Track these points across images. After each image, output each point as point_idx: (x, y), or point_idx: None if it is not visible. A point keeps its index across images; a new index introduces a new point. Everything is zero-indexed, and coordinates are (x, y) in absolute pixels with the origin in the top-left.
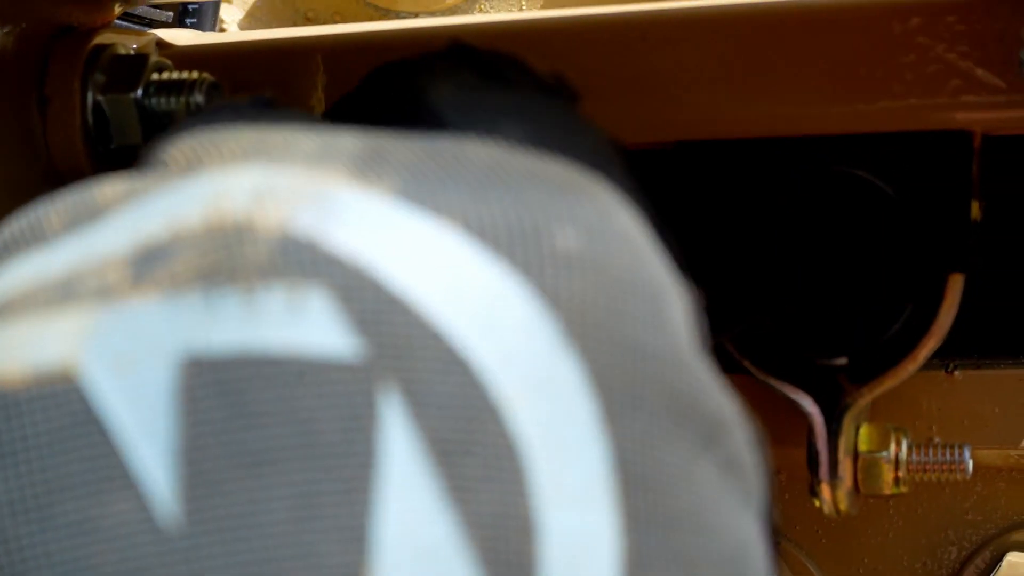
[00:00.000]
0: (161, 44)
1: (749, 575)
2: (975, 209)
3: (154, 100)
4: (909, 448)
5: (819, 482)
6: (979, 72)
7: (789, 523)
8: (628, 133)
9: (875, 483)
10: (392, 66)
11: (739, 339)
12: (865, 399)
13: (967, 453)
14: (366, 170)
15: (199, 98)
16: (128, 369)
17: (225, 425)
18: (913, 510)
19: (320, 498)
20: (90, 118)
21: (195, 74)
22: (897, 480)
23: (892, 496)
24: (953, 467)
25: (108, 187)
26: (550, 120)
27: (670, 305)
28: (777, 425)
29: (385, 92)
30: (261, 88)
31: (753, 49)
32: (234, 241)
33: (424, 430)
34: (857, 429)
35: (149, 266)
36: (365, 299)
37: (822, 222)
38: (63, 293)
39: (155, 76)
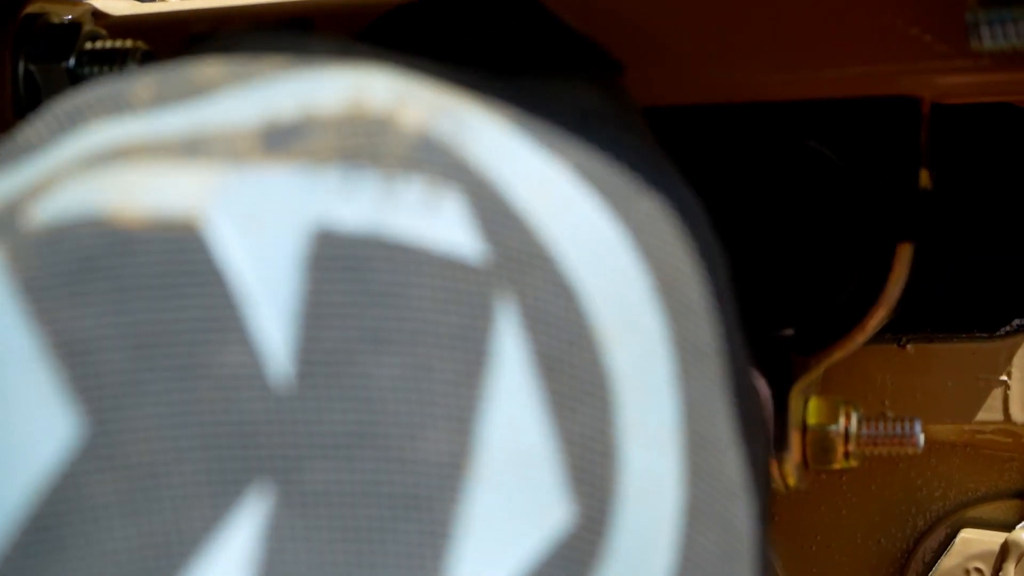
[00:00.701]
0: (97, 14)
1: (747, 555)
2: (924, 177)
3: (87, 69)
4: (859, 422)
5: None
6: (927, 38)
7: None
8: None
9: (824, 457)
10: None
11: None
12: (813, 371)
13: (918, 427)
14: (482, 101)
15: (133, 68)
16: (256, 230)
17: (347, 298)
18: (867, 486)
19: (433, 384)
20: (21, 88)
21: (129, 43)
22: (847, 454)
23: (843, 471)
24: (904, 441)
25: (204, 68)
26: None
27: (726, 285)
28: None
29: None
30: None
31: (694, 15)
32: (377, 130)
33: (534, 342)
34: (806, 402)
35: (283, 140)
36: (494, 210)
37: (767, 190)
38: (188, 150)
39: (88, 45)
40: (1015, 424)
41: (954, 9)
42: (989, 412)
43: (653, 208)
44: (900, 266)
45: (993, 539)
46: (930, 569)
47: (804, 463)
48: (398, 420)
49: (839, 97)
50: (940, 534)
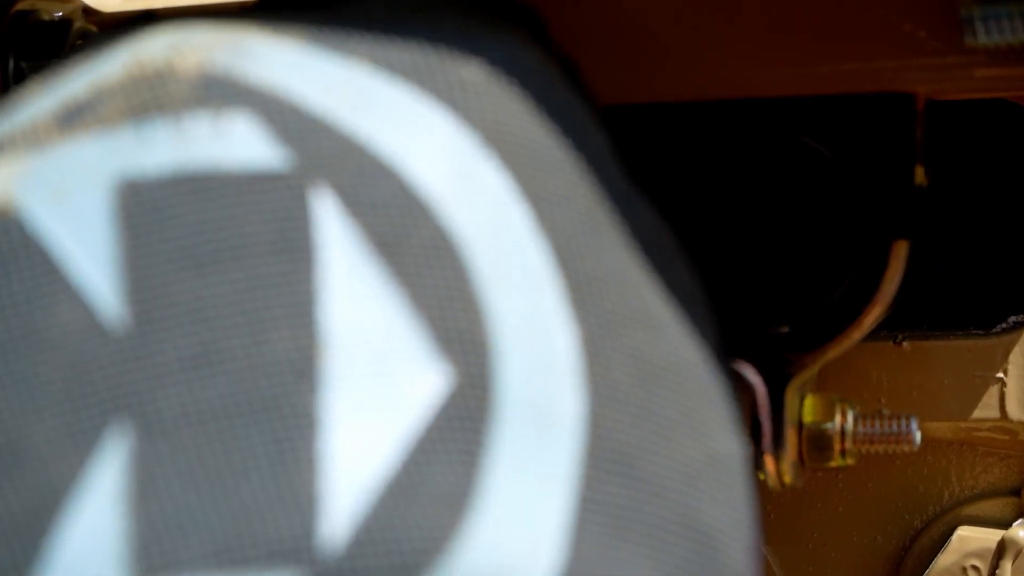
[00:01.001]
0: (87, 11)
1: (710, 393)
2: (920, 174)
3: None
4: (855, 419)
5: (762, 454)
6: (922, 34)
7: None
8: None
9: (821, 455)
10: None
11: None
12: (809, 368)
13: (914, 424)
14: (275, 26)
15: None
16: (64, 198)
17: (162, 235)
18: (863, 484)
19: (265, 290)
20: (12, 85)
21: None
22: (843, 452)
23: (839, 469)
24: (900, 438)
25: (24, 88)
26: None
27: (588, 132)
28: None
29: None
30: None
31: (688, 12)
32: (158, 83)
33: (361, 226)
34: (802, 400)
35: (76, 116)
36: (287, 119)
37: (763, 187)
38: None
39: (79, 43)
40: (1011, 421)
41: (949, 5)
42: (985, 409)
43: (474, 73)
44: (896, 263)
45: (990, 537)
46: (926, 567)
47: (800, 461)
48: (238, 332)
49: (834, 93)
50: (936, 532)
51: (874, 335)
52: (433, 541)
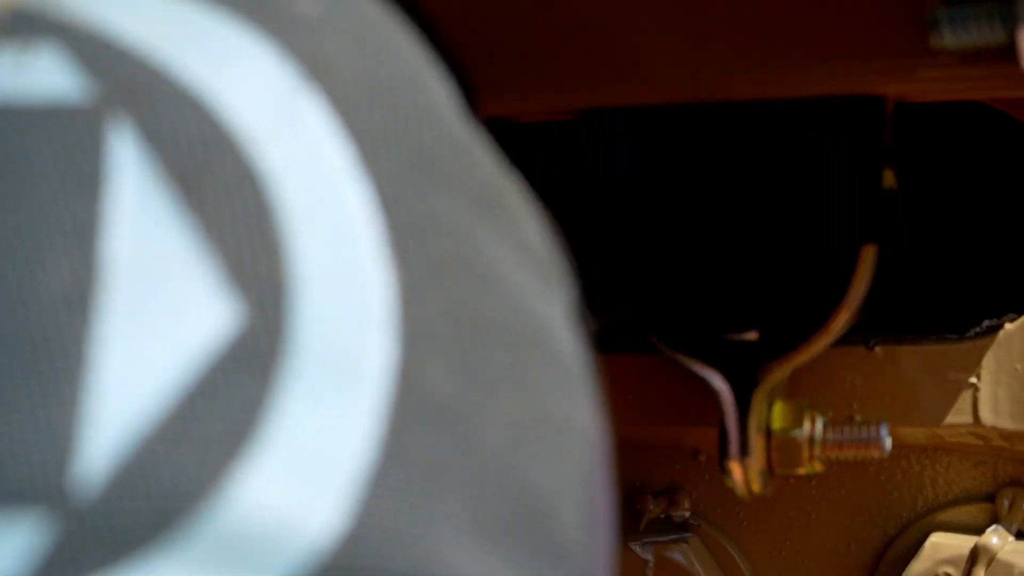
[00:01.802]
0: None
1: (552, 355)
2: (889, 178)
3: None
4: (824, 426)
5: (729, 460)
6: (890, 36)
7: (709, 506)
8: (534, 101)
9: (789, 462)
10: None
11: (648, 315)
12: (776, 375)
13: (884, 430)
14: None
15: None
16: None
17: None
18: (836, 490)
19: (46, 222)
20: None
21: None
22: (812, 458)
23: (809, 476)
24: (870, 445)
25: None
26: None
27: (430, 80)
28: (696, 405)
29: None
30: None
31: (660, 14)
32: None
33: (157, 158)
34: (770, 407)
35: None
36: (97, 52)
37: (733, 191)
38: None
39: None
40: (984, 426)
41: (916, 7)
42: (958, 415)
43: (311, 6)
44: (864, 268)
45: (963, 543)
46: (900, 573)
47: (769, 468)
48: (14, 265)
49: (802, 97)
50: (910, 538)
51: (847, 340)
52: (198, 485)
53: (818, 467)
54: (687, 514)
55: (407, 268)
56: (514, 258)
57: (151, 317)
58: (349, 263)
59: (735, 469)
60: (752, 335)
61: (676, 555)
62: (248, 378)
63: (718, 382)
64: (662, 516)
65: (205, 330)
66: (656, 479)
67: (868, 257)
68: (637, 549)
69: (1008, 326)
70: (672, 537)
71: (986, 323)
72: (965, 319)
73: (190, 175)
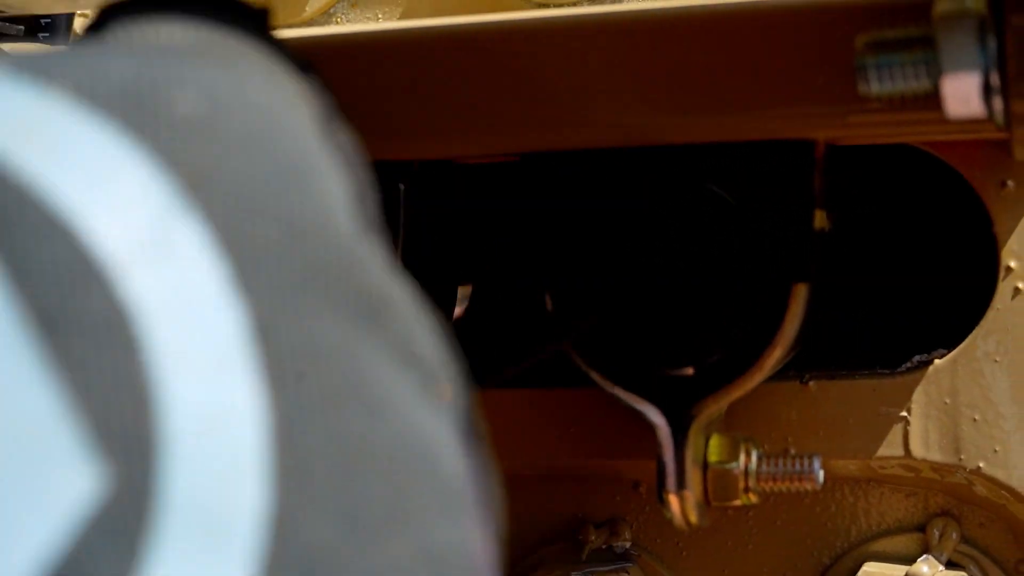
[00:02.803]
0: None
1: (438, 479)
2: (820, 219)
3: None
4: (759, 459)
5: (667, 493)
6: (819, 82)
7: (649, 536)
8: (474, 144)
9: (725, 494)
10: None
11: (586, 351)
12: (711, 409)
13: (816, 464)
14: None
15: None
16: None
17: None
18: (772, 521)
19: None
20: None
21: None
22: (748, 490)
23: (748, 507)
24: (803, 477)
25: None
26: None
27: (319, 178)
28: (636, 438)
29: None
30: None
31: (595, 61)
32: None
33: (25, 298)
34: (707, 440)
35: None
36: None
37: (667, 231)
38: None
39: None
40: (915, 459)
41: (845, 55)
42: (890, 447)
43: (192, 107)
44: (796, 306)
45: (895, 572)
46: None
47: (706, 500)
48: None
49: (735, 140)
50: (844, 568)
51: (781, 375)
52: None
53: (753, 499)
54: (628, 544)
55: (285, 406)
56: (400, 375)
57: (13, 487)
58: (222, 407)
59: (672, 501)
60: (688, 371)
61: None
62: (114, 551)
63: (655, 416)
64: (603, 546)
65: (70, 499)
66: (598, 510)
67: (799, 295)
68: None
69: (937, 362)
70: (613, 567)
71: (916, 358)
72: (896, 355)
73: (56, 316)
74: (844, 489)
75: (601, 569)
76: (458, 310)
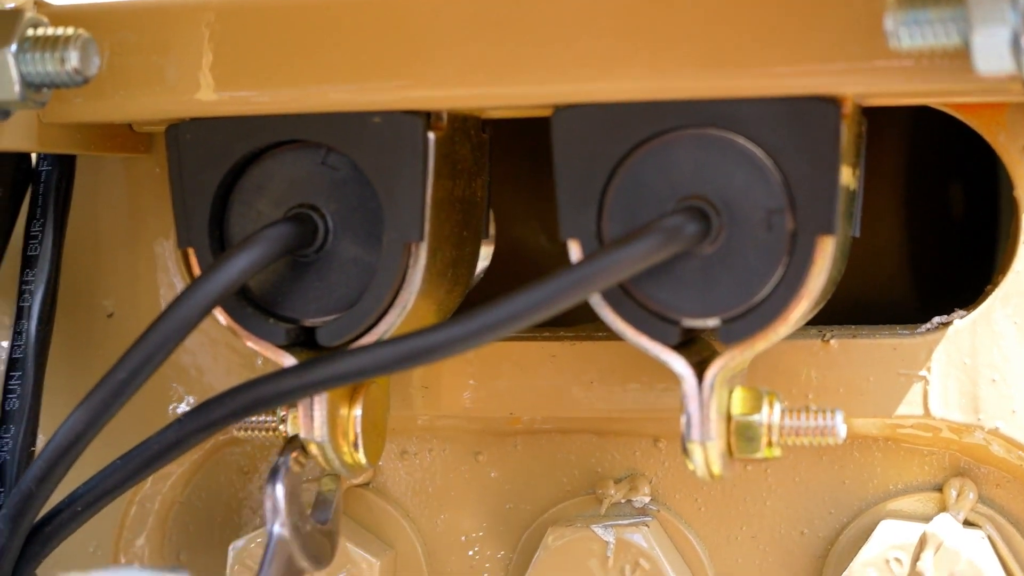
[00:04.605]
0: (39, 2)
1: None
2: (847, 174)
3: (28, 56)
4: (782, 412)
5: (690, 443)
6: (849, 39)
7: (669, 491)
8: (499, 96)
9: (748, 446)
10: None
11: (615, 301)
12: (736, 360)
13: (839, 418)
14: None
15: (73, 54)
16: None
17: None
18: (791, 479)
19: None
20: None
21: (71, 30)
22: (770, 444)
23: (768, 464)
24: (825, 432)
25: None
26: None
27: None
28: (657, 392)
29: None
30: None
31: (619, 14)
32: None
33: None
34: (731, 393)
35: None
36: None
37: (693, 186)
38: None
39: (30, 32)
40: (934, 418)
41: (874, 11)
42: (909, 406)
43: None
44: (821, 258)
45: (912, 531)
46: (851, 558)
47: (729, 452)
48: None
49: (763, 96)
50: (861, 525)
51: (803, 333)
52: None
53: (776, 452)
54: (647, 499)
55: None
56: None
57: None
58: None
59: (696, 452)
60: (714, 322)
61: (636, 538)
62: None
63: (680, 367)
64: (623, 501)
65: None
66: (617, 465)
67: (824, 248)
68: (599, 531)
69: (957, 322)
70: (632, 521)
71: (937, 320)
72: (918, 315)
73: None
74: (863, 448)
75: (620, 524)
76: (481, 265)
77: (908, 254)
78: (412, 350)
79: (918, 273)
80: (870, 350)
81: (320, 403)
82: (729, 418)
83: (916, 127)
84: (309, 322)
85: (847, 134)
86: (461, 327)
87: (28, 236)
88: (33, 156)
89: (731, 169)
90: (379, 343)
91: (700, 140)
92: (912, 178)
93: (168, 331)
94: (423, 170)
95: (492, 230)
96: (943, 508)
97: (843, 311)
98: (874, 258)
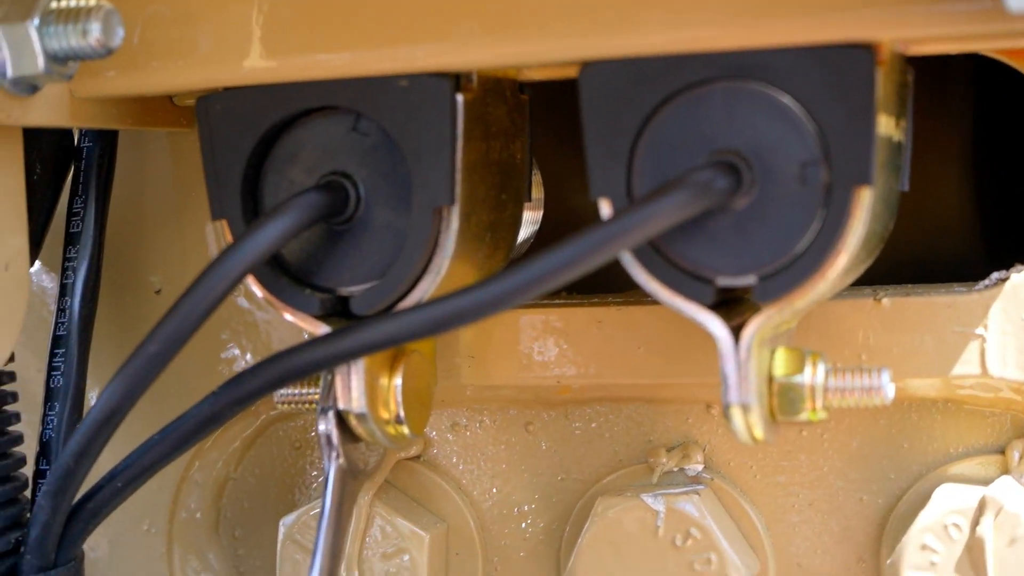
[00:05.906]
0: None
1: None
2: (886, 124)
3: (51, 29)
4: (826, 372)
5: (730, 406)
6: None
7: (722, 459)
8: (530, 53)
9: (791, 408)
10: None
11: (647, 261)
12: (775, 320)
13: (885, 377)
14: None
15: (95, 25)
16: None
17: None
18: (848, 444)
19: None
20: None
21: (92, 2)
22: (814, 406)
23: (824, 428)
24: (871, 392)
25: None
26: None
27: None
28: (708, 357)
29: None
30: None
31: None
32: None
33: None
34: (772, 354)
35: None
36: None
37: (727, 138)
38: None
39: (53, 4)
40: (992, 377)
41: None
42: (966, 365)
43: None
44: (859, 210)
45: (972, 494)
46: (910, 524)
47: (772, 415)
48: None
49: (797, 44)
50: (920, 490)
51: (855, 292)
52: None
53: (822, 415)
54: (700, 467)
55: None
56: None
57: None
58: None
59: (736, 414)
60: (749, 279)
61: (687, 507)
62: None
63: (716, 327)
64: (675, 469)
65: None
66: (670, 433)
67: (861, 200)
68: (649, 500)
69: (1015, 276)
70: (685, 490)
71: (995, 275)
72: (974, 271)
73: None
74: (921, 410)
75: (673, 492)
76: (530, 230)
77: (975, 210)
78: (442, 314)
79: (987, 230)
80: (924, 308)
81: (357, 373)
82: (771, 380)
83: (981, 79)
84: (344, 291)
85: (884, 82)
86: (490, 289)
87: (70, 213)
88: (75, 134)
89: (763, 121)
90: (409, 309)
91: (730, 92)
92: (978, 131)
93: (199, 301)
94: (452, 133)
95: (539, 194)
96: (1005, 471)
97: (906, 270)
98: (938, 215)
